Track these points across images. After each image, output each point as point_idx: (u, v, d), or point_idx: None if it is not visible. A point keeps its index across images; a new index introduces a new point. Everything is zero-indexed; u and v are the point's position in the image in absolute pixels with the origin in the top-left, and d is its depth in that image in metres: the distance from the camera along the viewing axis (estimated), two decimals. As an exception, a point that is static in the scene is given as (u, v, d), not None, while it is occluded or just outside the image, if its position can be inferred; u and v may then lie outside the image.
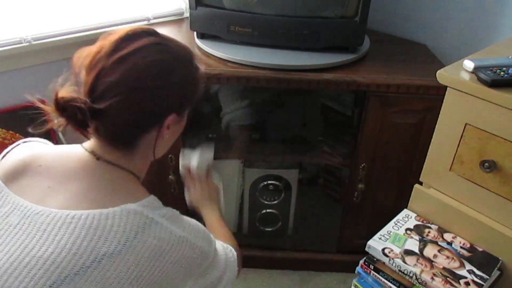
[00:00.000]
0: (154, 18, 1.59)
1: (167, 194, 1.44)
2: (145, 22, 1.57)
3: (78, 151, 0.71)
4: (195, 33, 1.40)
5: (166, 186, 1.42)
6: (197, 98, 0.76)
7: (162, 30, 1.69)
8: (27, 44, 1.35)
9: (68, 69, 0.71)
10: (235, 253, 0.87)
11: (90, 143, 0.72)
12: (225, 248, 0.84)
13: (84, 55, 0.70)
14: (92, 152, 0.70)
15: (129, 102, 0.66)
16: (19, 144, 0.76)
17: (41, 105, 0.67)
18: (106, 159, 0.70)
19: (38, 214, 0.63)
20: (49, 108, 0.66)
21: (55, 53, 1.44)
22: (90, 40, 1.45)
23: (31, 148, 0.74)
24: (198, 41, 1.37)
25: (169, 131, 0.73)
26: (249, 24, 1.29)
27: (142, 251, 0.62)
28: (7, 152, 0.75)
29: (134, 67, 0.66)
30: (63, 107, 0.64)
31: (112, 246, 0.61)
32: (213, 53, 1.31)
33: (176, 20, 1.64)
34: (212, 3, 1.31)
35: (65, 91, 0.65)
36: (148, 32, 0.70)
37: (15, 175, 0.68)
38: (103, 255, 0.60)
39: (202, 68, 0.77)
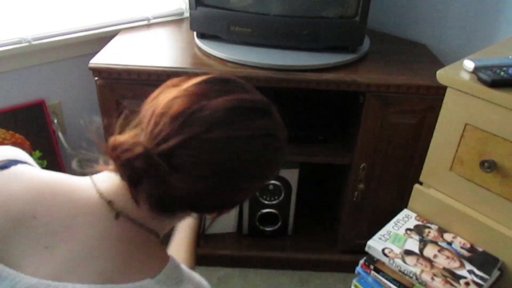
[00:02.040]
0: (154, 18, 1.59)
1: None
2: (145, 22, 1.57)
3: (88, 197, 0.55)
4: (195, 33, 1.40)
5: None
6: None
7: (162, 30, 1.69)
8: (27, 44, 1.35)
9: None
10: None
11: (107, 185, 0.55)
12: None
13: (175, 95, 0.54)
14: (110, 204, 0.54)
15: (207, 191, 0.53)
16: None
17: (97, 139, 0.53)
18: (129, 216, 0.54)
19: (30, 287, 0.48)
20: (103, 147, 0.52)
21: (55, 53, 1.45)
22: (90, 40, 1.47)
23: (18, 183, 0.54)
24: (198, 41, 1.37)
25: None
26: (249, 24, 1.29)
27: None
28: None
29: (237, 158, 0.53)
30: (130, 164, 0.50)
31: None
32: (213, 53, 1.31)
33: (176, 20, 1.64)
34: (212, 3, 1.31)
35: (132, 137, 0.51)
36: (264, 111, 0.56)
37: (2, 231, 0.51)
38: None
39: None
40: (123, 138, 0.51)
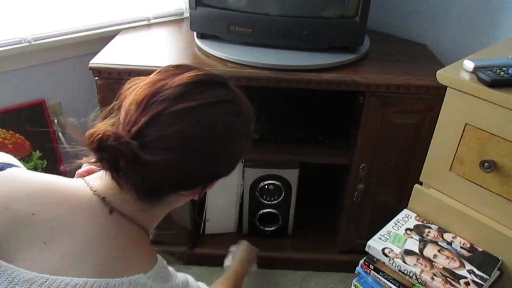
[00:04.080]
0: (154, 18, 1.59)
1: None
2: (145, 22, 1.57)
3: (84, 194, 0.58)
4: (195, 33, 1.40)
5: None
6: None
7: (162, 30, 1.69)
8: (27, 44, 1.35)
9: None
10: None
11: (100, 183, 0.59)
12: None
13: (139, 86, 0.59)
14: (103, 200, 0.57)
15: (181, 162, 0.56)
16: None
17: (75, 135, 0.55)
18: (121, 211, 0.58)
19: (28, 281, 0.49)
20: (82, 140, 0.54)
21: (55, 53, 1.45)
22: (90, 40, 1.47)
23: (15, 183, 0.57)
24: (198, 41, 1.37)
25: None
26: (249, 24, 1.29)
27: None
28: None
29: (199, 124, 0.57)
30: (103, 145, 0.52)
31: None
32: (213, 53, 1.31)
33: (176, 20, 1.64)
34: (212, 3, 1.31)
35: (106, 126, 0.55)
36: (219, 83, 0.61)
37: (1, 228, 0.52)
38: None
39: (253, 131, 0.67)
40: (97, 127, 0.54)
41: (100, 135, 0.52)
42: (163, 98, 0.56)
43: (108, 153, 0.53)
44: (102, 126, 0.54)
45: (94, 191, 0.58)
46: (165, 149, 0.55)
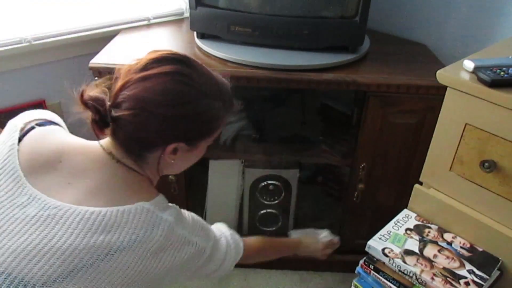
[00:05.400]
0: (154, 18, 1.59)
1: (167, 194, 1.43)
2: (145, 22, 1.57)
3: (97, 150, 0.75)
4: (195, 33, 1.40)
5: (166, 186, 1.42)
6: (216, 132, 0.80)
7: (162, 30, 1.68)
8: (27, 44, 1.35)
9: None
10: (235, 243, 0.93)
11: (107, 144, 0.76)
12: (227, 238, 0.91)
13: (127, 65, 0.75)
14: (110, 154, 0.74)
15: (136, 120, 0.70)
16: (33, 128, 0.77)
17: (76, 97, 0.73)
18: (123, 162, 0.74)
19: (57, 208, 0.66)
20: (77, 101, 0.72)
21: (55, 53, 1.45)
22: (90, 40, 1.47)
23: (50, 137, 0.77)
24: (198, 41, 1.37)
25: (177, 156, 0.76)
26: (249, 24, 1.29)
27: (148, 247, 0.68)
28: (23, 134, 0.76)
29: (150, 89, 0.70)
30: (85, 103, 0.71)
31: (125, 241, 0.66)
32: (213, 53, 1.31)
33: (176, 20, 1.64)
34: (212, 3, 1.31)
35: (93, 90, 0.73)
36: (178, 59, 0.73)
37: (35, 168, 0.71)
38: (116, 250, 0.66)
39: (235, 105, 0.81)
40: (90, 92, 0.72)
41: (81, 94, 0.71)
42: (132, 70, 0.72)
43: (90, 108, 0.71)
44: (89, 89, 0.72)
45: (103, 148, 0.75)
46: (125, 108, 0.69)
